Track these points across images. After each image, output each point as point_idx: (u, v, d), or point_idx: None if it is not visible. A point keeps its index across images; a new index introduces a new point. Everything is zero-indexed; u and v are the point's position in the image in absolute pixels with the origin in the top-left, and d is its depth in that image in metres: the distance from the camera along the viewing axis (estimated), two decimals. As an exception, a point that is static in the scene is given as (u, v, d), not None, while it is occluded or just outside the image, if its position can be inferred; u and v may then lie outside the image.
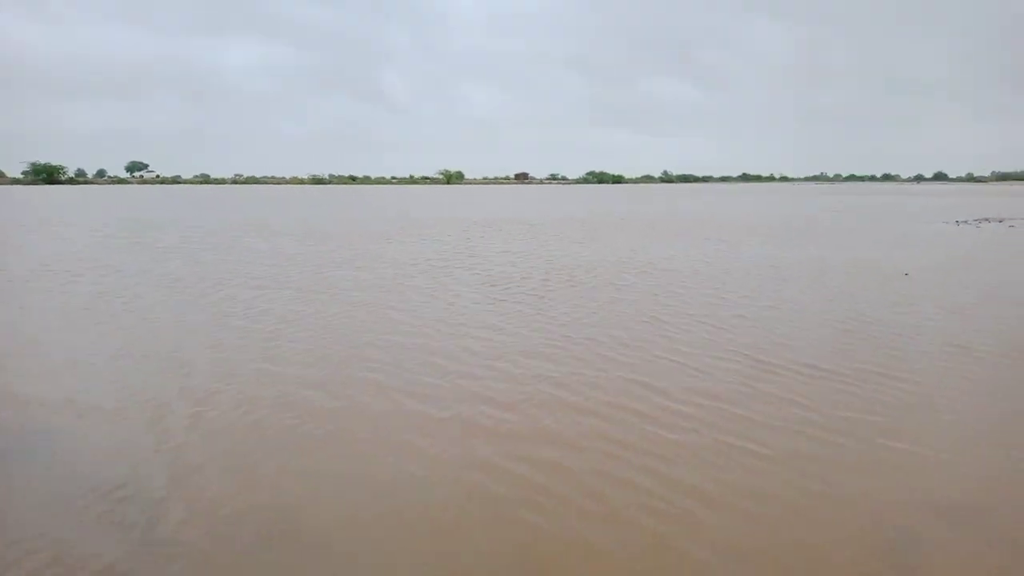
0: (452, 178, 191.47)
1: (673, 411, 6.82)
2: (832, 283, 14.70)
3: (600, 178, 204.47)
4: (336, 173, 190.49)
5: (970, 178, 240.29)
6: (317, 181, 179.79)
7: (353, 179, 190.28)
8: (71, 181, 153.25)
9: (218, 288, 14.04)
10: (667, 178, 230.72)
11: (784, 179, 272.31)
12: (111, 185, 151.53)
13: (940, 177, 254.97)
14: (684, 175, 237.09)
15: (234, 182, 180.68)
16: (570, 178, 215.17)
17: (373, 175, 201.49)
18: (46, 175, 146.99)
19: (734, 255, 19.92)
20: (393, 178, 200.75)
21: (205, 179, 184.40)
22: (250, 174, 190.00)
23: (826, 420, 6.59)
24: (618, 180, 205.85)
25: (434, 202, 64.15)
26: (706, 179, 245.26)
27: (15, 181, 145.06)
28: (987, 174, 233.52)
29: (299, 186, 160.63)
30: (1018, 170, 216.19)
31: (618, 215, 41.66)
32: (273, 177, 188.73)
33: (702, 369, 8.21)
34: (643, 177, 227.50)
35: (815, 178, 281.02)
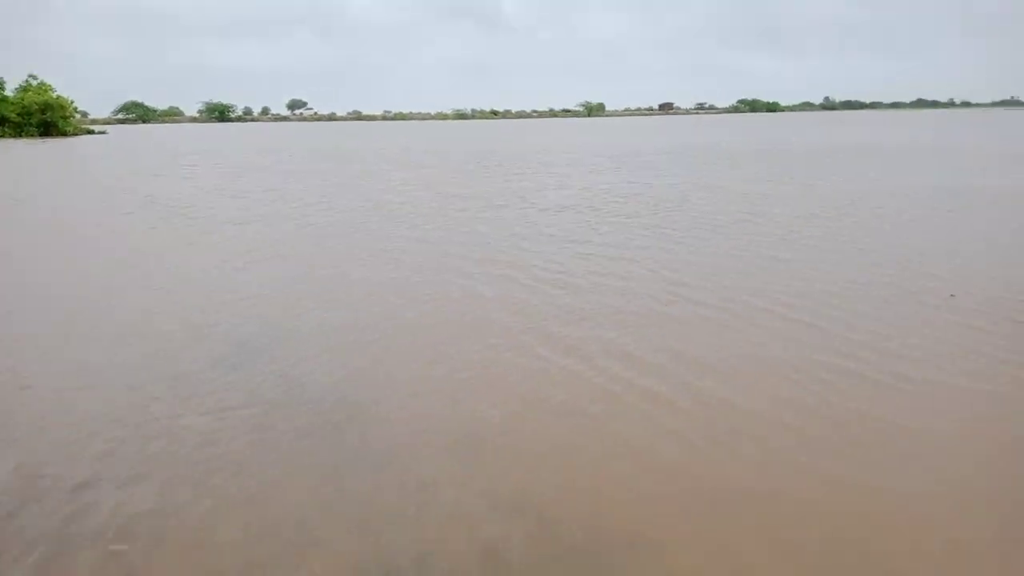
0: (593, 110, 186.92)
1: None
2: None
3: (752, 106, 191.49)
4: (476, 108, 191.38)
5: None
6: (460, 116, 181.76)
7: (495, 113, 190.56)
8: (239, 119, 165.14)
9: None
10: (829, 105, 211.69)
11: (966, 104, 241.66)
12: (275, 122, 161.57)
13: None
14: (848, 101, 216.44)
15: (383, 118, 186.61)
16: (719, 107, 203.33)
17: (513, 108, 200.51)
18: (218, 113, 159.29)
19: None
20: (534, 111, 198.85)
21: (358, 115, 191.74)
22: (397, 110, 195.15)
23: None
24: (773, 108, 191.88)
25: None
26: (874, 105, 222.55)
27: (193, 119, 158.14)
28: None
29: (445, 121, 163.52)
30: None
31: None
32: (419, 113, 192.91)
33: None
34: (802, 104, 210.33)
35: (1004, 103, 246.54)
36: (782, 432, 5.22)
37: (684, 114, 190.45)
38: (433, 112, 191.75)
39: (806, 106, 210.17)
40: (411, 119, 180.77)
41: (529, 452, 5.06)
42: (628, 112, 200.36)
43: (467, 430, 5.39)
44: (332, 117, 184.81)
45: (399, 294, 9.19)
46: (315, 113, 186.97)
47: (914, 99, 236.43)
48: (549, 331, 7.52)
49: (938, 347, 6.92)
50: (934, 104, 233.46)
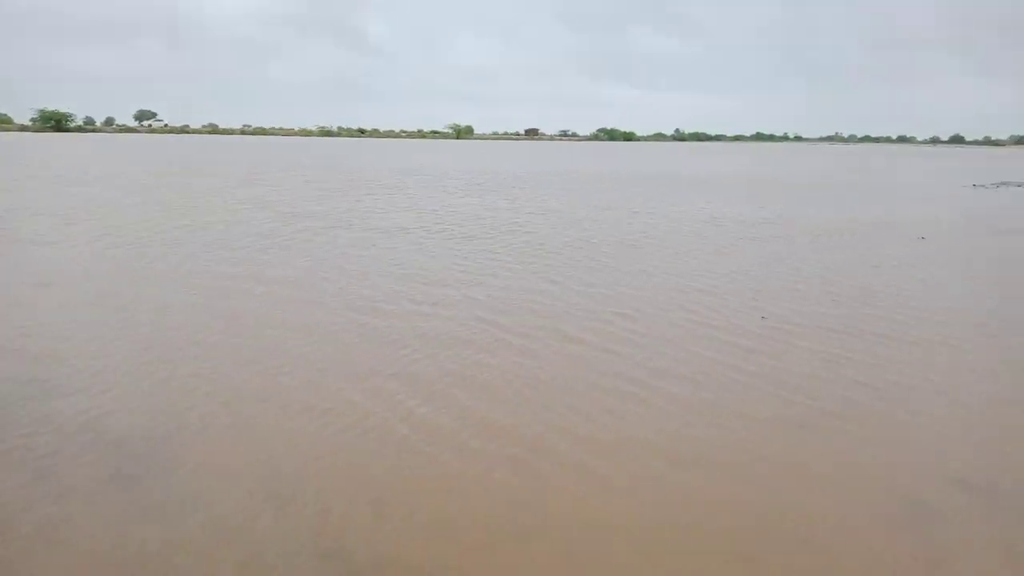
0: (462, 133, 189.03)
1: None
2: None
3: (611, 135, 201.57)
4: (343, 125, 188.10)
5: (987, 141, 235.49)
6: (325, 133, 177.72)
7: (362, 132, 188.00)
8: (79, 129, 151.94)
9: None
10: (680, 136, 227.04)
11: (798, 139, 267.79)
12: (121, 134, 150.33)
13: (957, 140, 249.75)
14: (696, 133, 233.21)
15: (243, 132, 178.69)
16: (581, 135, 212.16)
17: (381, 128, 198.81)
18: (55, 122, 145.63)
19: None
20: (402, 131, 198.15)
21: (214, 129, 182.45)
22: (257, 124, 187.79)
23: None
24: (629, 137, 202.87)
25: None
26: (719, 138, 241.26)
27: (23, 128, 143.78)
28: (1005, 137, 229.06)
29: (309, 137, 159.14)
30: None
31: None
32: (282, 128, 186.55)
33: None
34: (655, 135, 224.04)
35: (829, 138, 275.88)
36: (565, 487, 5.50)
37: (548, 140, 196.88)
38: (296, 128, 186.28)
39: (659, 136, 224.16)
40: (273, 134, 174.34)
41: (337, 499, 4.98)
42: (496, 136, 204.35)
43: (271, 476, 5.25)
44: (185, 130, 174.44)
45: (198, 329, 8.94)
46: (166, 125, 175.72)
47: (754, 132, 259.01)
48: (336, 388, 7.01)
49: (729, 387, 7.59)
50: (771, 138, 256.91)
